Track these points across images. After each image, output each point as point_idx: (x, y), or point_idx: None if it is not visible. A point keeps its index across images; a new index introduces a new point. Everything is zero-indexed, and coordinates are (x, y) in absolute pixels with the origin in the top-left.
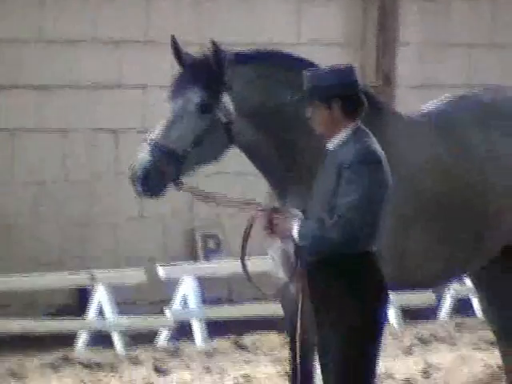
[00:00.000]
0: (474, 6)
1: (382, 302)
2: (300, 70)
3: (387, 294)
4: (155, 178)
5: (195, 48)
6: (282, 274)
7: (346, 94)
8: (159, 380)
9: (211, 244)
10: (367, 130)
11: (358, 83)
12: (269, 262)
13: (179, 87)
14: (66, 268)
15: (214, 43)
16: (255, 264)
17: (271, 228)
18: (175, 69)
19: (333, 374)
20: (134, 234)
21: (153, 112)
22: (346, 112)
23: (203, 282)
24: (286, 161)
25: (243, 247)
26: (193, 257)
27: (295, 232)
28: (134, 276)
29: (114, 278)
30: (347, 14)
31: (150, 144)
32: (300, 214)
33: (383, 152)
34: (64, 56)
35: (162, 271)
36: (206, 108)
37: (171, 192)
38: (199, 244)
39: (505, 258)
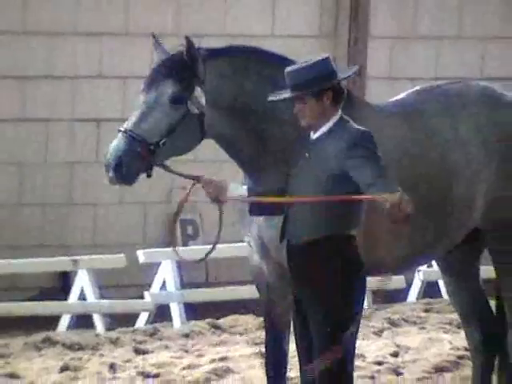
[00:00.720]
0: (442, 1)
1: (361, 286)
2: (272, 64)
3: (365, 279)
4: (128, 167)
5: (172, 39)
6: (257, 259)
7: (334, 85)
8: (139, 360)
9: (189, 230)
10: (348, 118)
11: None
12: (246, 248)
13: (154, 80)
14: (46, 252)
15: (187, 38)
16: (233, 250)
17: (208, 192)
18: (154, 60)
19: (316, 355)
20: (114, 220)
21: (133, 102)
22: (335, 102)
23: (181, 266)
24: (258, 150)
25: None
26: (171, 242)
27: (228, 194)
28: (114, 260)
29: (95, 263)
30: (320, 7)
31: (123, 133)
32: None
33: None
34: (46, 48)
35: (141, 256)
36: (178, 100)
37: (150, 179)
38: (178, 230)
39: (471, 243)
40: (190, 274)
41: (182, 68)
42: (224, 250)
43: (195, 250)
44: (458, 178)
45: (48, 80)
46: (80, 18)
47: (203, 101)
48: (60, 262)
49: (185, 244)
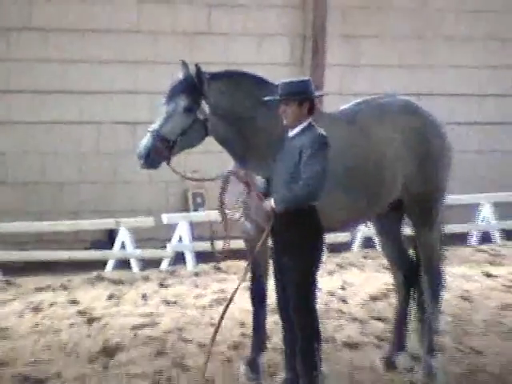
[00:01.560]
0: (380, 41)
1: (321, 241)
2: (256, 83)
3: (324, 236)
4: (153, 157)
5: (190, 66)
6: (244, 221)
7: (312, 98)
8: (163, 292)
9: (198, 200)
10: (315, 123)
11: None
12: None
13: (172, 94)
14: (97, 215)
15: (197, 66)
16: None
17: (245, 183)
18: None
19: (290, 289)
20: (145, 194)
21: (158, 110)
22: (310, 110)
23: (193, 226)
24: (244, 146)
25: (221, 201)
26: (186, 208)
27: (258, 186)
28: (146, 221)
29: (132, 223)
30: (291, 44)
31: (151, 133)
32: (259, 177)
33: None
34: (97, 71)
35: (165, 218)
36: (189, 110)
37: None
38: (190, 200)
39: (395, 209)
40: (198, 231)
41: (192, 87)
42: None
43: (203, 214)
44: (385, 165)
45: (100, 95)
46: (120, 50)
47: (207, 110)
48: (107, 223)
49: (196, 209)
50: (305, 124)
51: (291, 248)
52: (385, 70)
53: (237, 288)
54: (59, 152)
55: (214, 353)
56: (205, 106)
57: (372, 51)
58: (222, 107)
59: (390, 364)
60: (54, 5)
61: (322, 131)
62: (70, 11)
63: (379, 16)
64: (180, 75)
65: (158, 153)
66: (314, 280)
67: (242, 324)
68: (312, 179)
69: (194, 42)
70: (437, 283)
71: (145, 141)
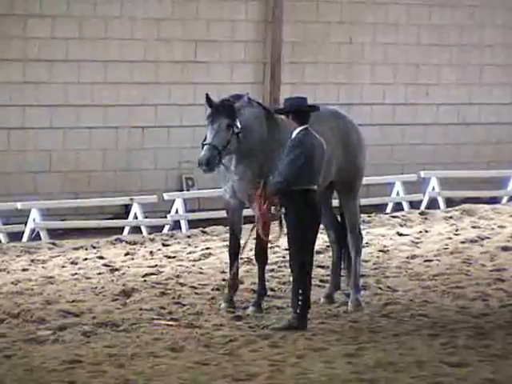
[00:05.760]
0: (318, 66)
1: (308, 214)
2: (258, 109)
3: (318, 212)
4: (211, 163)
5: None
6: (228, 197)
7: (292, 111)
8: (164, 249)
9: (189, 183)
10: (300, 129)
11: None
12: (221, 191)
13: (215, 117)
14: (117, 194)
15: (207, 95)
16: (213, 192)
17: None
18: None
19: (288, 241)
20: (151, 178)
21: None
22: (294, 120)
23: (185, 201)
24: (242, 151)
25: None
26: (180, 189)
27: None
28: (151, 198)
29: (142, 200)
30: (256, 69)
31: (206, 146)
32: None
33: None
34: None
35: (166, 196)
36: (229, 126)
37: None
38: (184, 183)
39: (329, 187)
40: (190, 205)
41: (228, 110)
42: (209, 192)
43: (194, 193)
44: (328, 152)
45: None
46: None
47: (240, 126)
48: (124, 200)
49: (187, 189)
50: (298, 130)
51: (288, 218)
52: (321, 87)
53: (245, 243)
54: (91, 149)
55: (202, 293)
56: (238, 123)
57: (312, 73)
58: (248, 124)
59: (329, 299)
60: None
61: (299, 136)
62: None
63: (317, 48)
64: (207, 104)
65: (215, 159)
66: (301, 241)
67: (223, 272)
68: (282, 170)
69: (186, 68)
70: (358, 240)
71: (204, 152)
